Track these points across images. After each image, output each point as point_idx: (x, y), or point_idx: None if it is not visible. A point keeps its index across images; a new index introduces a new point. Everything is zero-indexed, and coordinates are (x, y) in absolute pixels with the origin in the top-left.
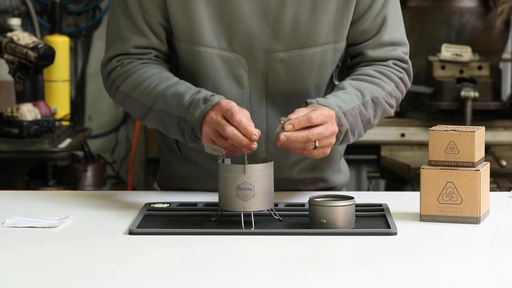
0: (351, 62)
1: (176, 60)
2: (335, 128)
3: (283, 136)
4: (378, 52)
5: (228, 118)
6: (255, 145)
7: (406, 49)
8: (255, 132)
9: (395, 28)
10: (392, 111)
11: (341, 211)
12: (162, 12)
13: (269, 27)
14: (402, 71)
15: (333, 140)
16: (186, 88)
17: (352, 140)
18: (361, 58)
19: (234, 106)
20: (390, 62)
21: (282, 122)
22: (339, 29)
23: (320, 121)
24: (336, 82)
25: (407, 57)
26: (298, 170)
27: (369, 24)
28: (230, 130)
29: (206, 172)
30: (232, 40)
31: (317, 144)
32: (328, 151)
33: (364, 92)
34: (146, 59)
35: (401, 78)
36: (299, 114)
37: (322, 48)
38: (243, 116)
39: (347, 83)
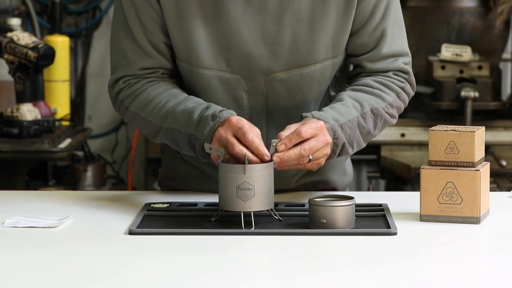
0: (350, 73)
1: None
2: (327, 138)
3: (276, 158)
4: (377, 64)
5: (240, 137)
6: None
7: (407, 59)
8: (267, 153)
9: (395, 39)
10: (394, 121)
11: (341, 211)
12: (164, 30)
13: (267, 48)
14: (404, 80)
15: (327, 151)
16: (195, 104)
17: (351, 152)
18: (361, 70)
19: (245, 124)
20: (390, 73)
21: (274, 144)
22: (337, 45)
23: (310, 134)
24: (332, 93)
25: (408, 67)
26: (300, 176)
27: (367, 38)
28: (240, 149)
29: (206, 175)
30: (230, 62)
31: (310, 157)
32: (322, 162)
33: (363, 103)
34: (153, 77)
35: (402, 88)
36: (290, 131)
37: (321, 64)
38: (255, 136)
39: (346, 94)
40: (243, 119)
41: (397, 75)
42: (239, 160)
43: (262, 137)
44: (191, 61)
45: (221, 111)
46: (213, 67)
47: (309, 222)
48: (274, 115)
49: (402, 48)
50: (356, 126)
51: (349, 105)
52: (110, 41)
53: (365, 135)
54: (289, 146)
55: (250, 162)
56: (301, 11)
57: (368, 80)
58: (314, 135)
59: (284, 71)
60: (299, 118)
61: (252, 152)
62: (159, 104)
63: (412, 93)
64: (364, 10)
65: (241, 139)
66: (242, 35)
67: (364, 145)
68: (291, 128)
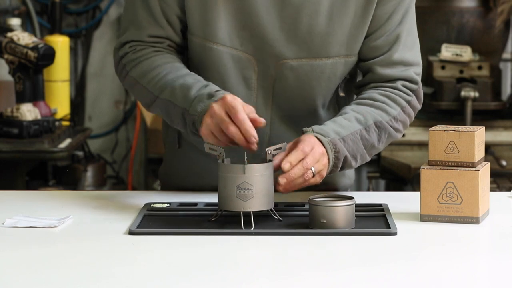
0: (361, 81)
1: (187, 54)
2: (322, 149)
3: (281, 179)
4: (388, 70)
5: (232, 116)
6: (254, 147)
7: (419, 69)
8: (255, 135)
9: (408, 48)
10: (399, 136)
11: (341, 211)
12: (180, 4)
13: (283, 33)
14: (411, 93)
15: (325, 161)
16: (194, 81)
17: (354, 165)
18: (371, 76)
19: (238, 103)
20: (399, 84)
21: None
22: (352, 44)
23: (309, 149)
24: (342, 94)
25: (418, 78)
26: None
27: (382, 41)
28: (233, 129)
29: (206, 170)
30: (244, 41)
31: (313, 171)
32: (324, 173)
33: (366, 116)
34: (160, 47)
35: (408, 102)
36: (287, 152)
37: (333, 60)
38: (246, 117)
39: (349, 108)
40: (237, 98)
41: (405, 86)
42: (232, 140)
43: (266, 120)
44: (205, 35)
45: (217, 90)
46: (227, 44)
47: (309, 222)
48: (280, 101)
49: (414, 59)
50: (359, 140)
51: (352, 119)
52: (124, 5)
53: (369, 149)
54: (294, 164)
55: (239, 142)
56: (321, 3)
57: (373, 94)
58: (312, 148)
59: (295, 59)
60: (299, 131)
61: (242, 132)
62: (159, 75)
63: (419, 107)
64: (382, 14)
65: (233, 118)
66: (260, 16)
67: (368, 158)
68: (287, 149)
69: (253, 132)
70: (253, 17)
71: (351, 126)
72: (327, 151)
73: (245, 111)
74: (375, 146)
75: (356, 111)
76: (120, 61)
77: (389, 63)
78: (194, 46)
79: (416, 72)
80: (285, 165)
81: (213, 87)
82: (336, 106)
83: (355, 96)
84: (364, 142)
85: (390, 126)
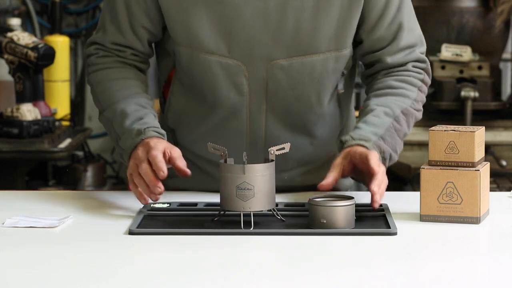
0: (370, 70)
1: (172, 62)
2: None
3: (377, 196)
4: (396, 57)
5: (148, 155)
6: (155, 196)
7: (423, 48)
8: (164, 170)
9: (411, 32)
10: (420, 115)
11: (341, 211)
12: (149, 16)
13: (269, 34)
14: (422, 71)
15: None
16: (133, 110)
17: (396, 158)
18: (380, 65)
19: (159, 145)
20: (409, 65)
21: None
22: (341, 38)
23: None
24: (342, 91)
25: (424, 56)
26: (300, 175)
27: (384, 31)
28: (144, 166)
29: (206, 174)
30: (232, 47)
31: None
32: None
33: (392, 107)
34: (122, 56)
35: (422, 80)
36: (337, 168)
37: (324, 55)
38: (159, 152)
39: (373, 103)
40: (163, 140)
41: (415, 67)
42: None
43: (261, 125)
44: (192, 45)
45: (147, 127)
46: (214, 51)
47: (308, 222)
48: (274, 104)
49: (418, 38)
50: (394, 133)
51: (381, 114)
52: (103, 3)
53: (403, 137)
54: (383, 189)
55: (147, 181)
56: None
57: (389, 81)
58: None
59: (285, 59)
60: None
61: (153, 168)
62: (110, 89)
63: (429, 82)
64: (378, 5)
65: (148, 156)
66: (244, 20)
67: (402, 147)
68: (338, 165)
69: (163, 166)
70: (238, 21)
71: (383, 122)
72: None
73: (171, 154)
74: (406, 133)
75: (381, 105)
76: (86, 59)
77: (397, 51)
78: (182, 56)
79: (421, 51)
80: (375, 189)
81: (147, 120)
82: (337, 102)
83: (367, 87)
84: (398, 134)
85: (414, 109)
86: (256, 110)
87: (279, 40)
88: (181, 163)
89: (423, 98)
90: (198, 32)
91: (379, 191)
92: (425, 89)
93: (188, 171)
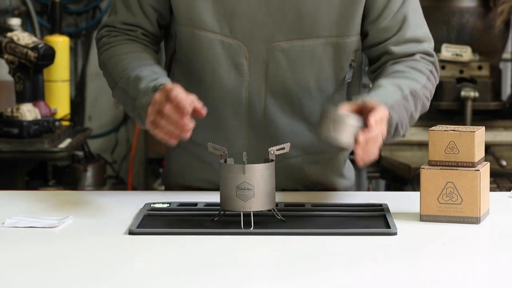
0: (377, 64)
1: (174, 44)
2: (386, 112)
3: (359, 150)
4: (403, 48)
5: (169, 97)
6: (186, 134)
7: (431, 45)
8: (189, 106)
9: (417, 26)
10: (428, 105)
11: (349, 128)
12: None
13: (271, 16)
14: (430, 64)
15: (384, 128)
16: (147, 74)
17: (402, 133)
18: (387, 57)
19: (176, 86)
20: (417, 56)
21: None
22: (343, 24)
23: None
24: (349, 81)
25: (433, 52)
26: (307, 164)
27: (389, 21)
28: (168, 106)
29: (205, 165)
30: (234, 27)
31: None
32: (381, 141)
33: (401, 86)
34: (133, 36)
35: (430, 71)
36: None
37: (325, 40)
38: (180, 92)
39: (382, 81)
40: (178, 85)
41: (423, 58)
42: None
43: (260, 107)
44: (194, 23)
45: (162, 84)
46: (217, 31)
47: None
48: (273, 86)
49: (426, 35)
50: (403, 108)
51: (390, 89)
52: None
53: (410, 118)
54: (378, 121)
55: (173, 120)
56: None
57: (398, 66)
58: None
59: (286, 41)
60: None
61: (176, 107)
62: (122, 61)
63: (437, 77)
64: None
65: (169, 98)
66: (248, 0)
67: (409, 128)
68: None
69: (186, 104)
70: (241, 2)
71: (393, 95)
72: None
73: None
74: (413, 116)
75: (389, 83)
76: (98, 42)
77: (402, 42)
78: (183, 36)
79: (429, 46)
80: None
81: (161, 80)
82: (345, 95)
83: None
84: (406, 110)
85: (423, 94)
86: (255, 92)
87: (280, 22)
88: (198, 104)
89: (431, 88)
90: (200, 11)
91: (362, 154)
92: (433, 80)
93: (204, 111)
